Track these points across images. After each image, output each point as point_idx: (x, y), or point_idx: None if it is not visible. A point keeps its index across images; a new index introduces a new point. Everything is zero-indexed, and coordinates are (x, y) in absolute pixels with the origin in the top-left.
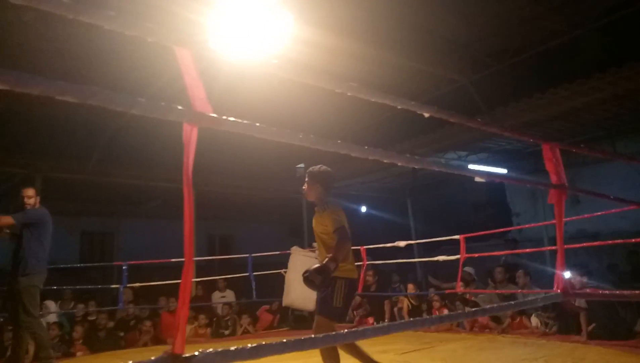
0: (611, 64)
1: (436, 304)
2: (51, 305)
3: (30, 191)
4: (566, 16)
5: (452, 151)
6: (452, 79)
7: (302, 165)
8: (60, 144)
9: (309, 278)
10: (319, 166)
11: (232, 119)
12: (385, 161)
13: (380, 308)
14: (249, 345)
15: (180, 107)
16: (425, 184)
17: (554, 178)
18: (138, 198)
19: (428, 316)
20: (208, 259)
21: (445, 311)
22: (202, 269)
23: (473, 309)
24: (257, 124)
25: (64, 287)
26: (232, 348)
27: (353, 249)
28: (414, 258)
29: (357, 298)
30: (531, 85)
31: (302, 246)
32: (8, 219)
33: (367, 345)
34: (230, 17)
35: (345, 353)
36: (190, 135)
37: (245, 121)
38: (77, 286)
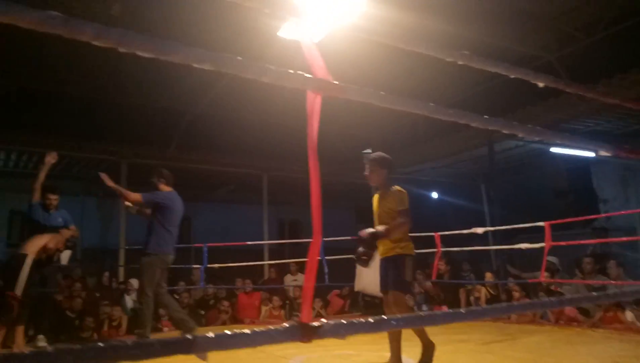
0: None
1: (516, 294)
2: (135, 283)
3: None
4: None
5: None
6: (535, 56)
7: (369, 150)
8: (142, 132)
9: (361, 250)
10: (378, 153)
11: (355, 87)
12: (504, 131)
13: (454, 297)
14: (371, 319)
15: (306, 75)
16: (502, 169)
17: None
18: (213, 183)
19: (517, 303)
20: (279, 243)
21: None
22: (273, 252)
23: (567, 297)
24: (381, 92)
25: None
26: (355, 320)
27: (426, 235)
28: (488, 245)
29: (430, 286)
30: (626, 60)
31: None
32: (137, 197)
33: (446, 334)
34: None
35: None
36: (314, 103)
37: (368, 89)
38: None
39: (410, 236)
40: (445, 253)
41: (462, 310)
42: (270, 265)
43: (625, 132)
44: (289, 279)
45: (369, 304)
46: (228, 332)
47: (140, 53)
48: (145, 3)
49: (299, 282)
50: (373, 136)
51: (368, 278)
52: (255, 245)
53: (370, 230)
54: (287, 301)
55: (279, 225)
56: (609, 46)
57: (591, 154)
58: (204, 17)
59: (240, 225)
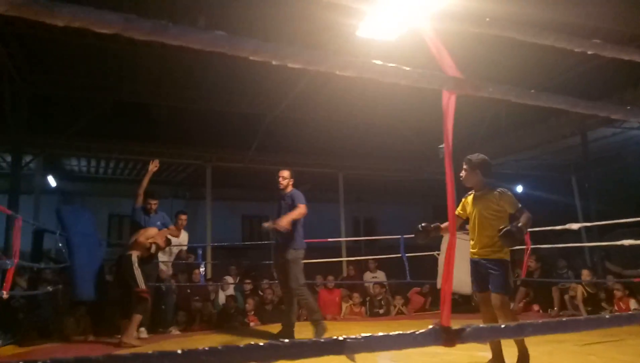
0: None
1: (618, 293)
2: (229, 279)
3: (285, 173)
4: None
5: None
6: (636, 35)
7: (443, 145)
8: (225, 136)
9: (509, 236)
10: (476, 154)
11: (489, 83)
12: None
13: (546, 295)
14: (513, 324)
15: (439, 74)
16: (596, 159)
17: None
18: None
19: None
20: (355, 240)
21: (632, 302)
22: (349, 250)
23: None
24: (517, 88)
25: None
26: (496, 325)
27: None
28: (580, 241)
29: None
30: None
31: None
32: (303, 209)
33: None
34: None
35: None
36: (449, 102)
37: (504, 86)
38: (241, 263)
39: None
40: (535, 250)
41: (607, 316)
42: (348, 262)
43: None
44: (368, 276)
45: (452, 302)
46: (376, 335)
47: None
48: (226, 12)
49: (379, 279)
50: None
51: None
52: (333, 242)
53: (516, 224)
54: (368, 298)
55: (354, 223)
56: None
57: None
58: (280, 19)
59: (318, 223)
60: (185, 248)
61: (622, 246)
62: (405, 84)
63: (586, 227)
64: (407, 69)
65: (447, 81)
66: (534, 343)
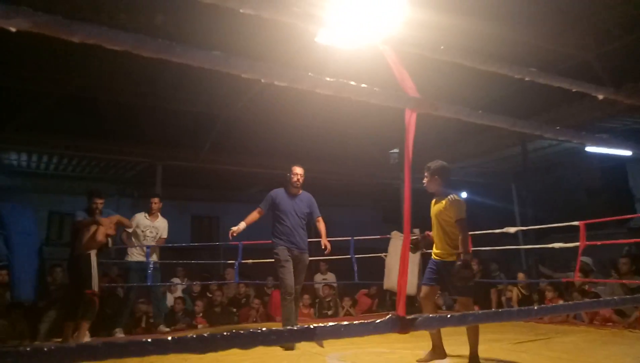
0: None
1: (549, 294)
2: (176, 281)
3: (301, 170)
4: None
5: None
6: (572, 55)
7: (396, 150)
8: (178, 135)
9: (462, 275)
10: (436, 161)
11: (446, 104)
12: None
13: (485, 297)
14: (456, 314)
15: (404, 95)
16: (534, 169)
17: None
18: (241, 184)
19: (550, 305)
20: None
21: (561, 302)
22: None
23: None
24: (467, 108)
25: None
26: (443, 315)
27: None
28: (518, 245)
29: None
30: None
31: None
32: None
33: (479, 334)
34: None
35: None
36: (410, 120)
37: (456, 106)
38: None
39: None
40: (477, 254)
41: (535, 307)
42: None
43: None
44: (319, 278)
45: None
46: (342, 323)
47: (279, 83)
48: (188, 13)
49: (329, 281)
50: (399, 135)
51: (397, 277)
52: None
53: (461, 265)
54: (317, 300)
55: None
56: None
57: (627, 153)
58: (240, 24)
59: (267, 225)
60: (165, 236)
61: (553, 250)
62: (375, 103)
63: (523, 232)
64: (377, 90)
65: (410, 101)
66: None
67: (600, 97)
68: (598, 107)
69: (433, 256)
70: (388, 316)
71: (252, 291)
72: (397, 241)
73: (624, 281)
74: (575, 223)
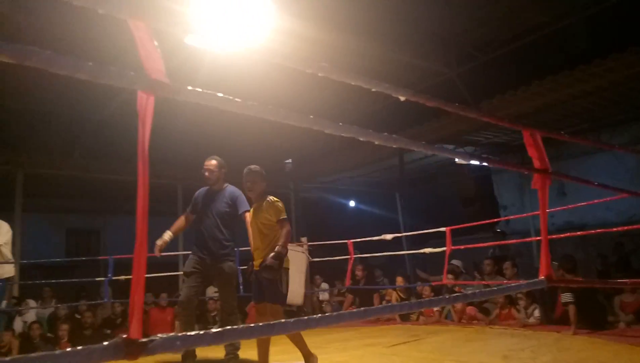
0: (596, 56)
1: (425, 296)
2: (32, 303)
3: (212, 163)
4: (552, 8)
5: (439, 144)
6: (438, 72)
7: (289, 161)
8: (42, 138)
9: (268, 266)
10: (255, 166)
11: (190, 88)
12: (361, 138)
13: (369, 302)
14: (212, 331)
15: (133, 73)
16: (414, 179)
17: (536, 163)
18: (123, 194)
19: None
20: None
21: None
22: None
23: (453, 295)
24: (220, 94)
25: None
26: (193, 333)
27: (340, 242)
28: (403, 251)
29: (348, 294)
30: (517, 77)
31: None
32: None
33: (357, 339)
34: (211, 6)
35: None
36: (146, 105)
37: (207, 91)
38: (56, 283)
39: (327, 244)
40: (363, 260)
41: (316, 317)
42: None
43: (522, 144)
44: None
45: (288, 313)
46: (29, 356)
47: None
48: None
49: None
50: (291, 144)
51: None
52: (169, 256)
53: (273, 255)
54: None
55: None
56: (503, 64)
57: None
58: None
59: (154, 238)
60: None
61: (432, 255)
62: (86, 78)
63: (405, 238)
64: (90, 63)
65: (142, 81)
66: (348, 348)
67: (402, 98)
68: (463, 121)
69: (255, 267)
70: (113, 340)
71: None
72: (294, 254)
73: (485, 282)
74: (442, 229)
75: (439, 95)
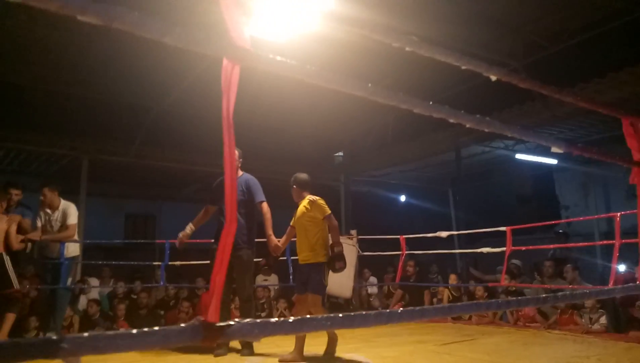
0: None
1: (478, 295)
2: (93, 281)
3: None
4: None
5: (499, 140)
6: (503, 63)
7: (340, 153)
8: (105, 126)
9: (337, 269)
10: (303, 174)
11: (279, 58)
12: (451, 120)
13: (419, 298)
14: (291, 319)
15: (220, 41)
16: (469, 175)
17: (636, 155)
18: (179, 181)
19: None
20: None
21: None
22: None
23: (516, 298)
24: (308, 66)
25: (104, 265)
26: (272, 320)
27: (391, 237)
28: (454, 249)
29: (398, 290)
30: (589, 69)
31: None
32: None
33: (404, 334)
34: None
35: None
36: (231, 74)
37: (293, 62)
38: (115, 264)
39: (378, 238)
40: (414, 256)
41: (399, 311)
42: None
43: (587, 141)
44: (259, 279)
45: (334, 305)
46: (107, 333)
47: None
48: None
49: (270, 283)
50: (342, 137)
51: (332, 280)
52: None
53: (337, 257)
54: (257, 301)
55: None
56: (573, 55)
57: (554, 162)
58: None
59: (206, 225)
60: (73, 221)
61: (485, 253)
62: (172, 44)
63: (457, 236)
64: (177, 28)
65: (228, 49)
66: (399, 344)
67: (493, 78)
68: (525, 115)
69: (300, 262)
70: (191, 323)
71: (186, 293)
72: (345, 247)
73: (545, 285)
74: (503, 228)
75: (502, 87)
